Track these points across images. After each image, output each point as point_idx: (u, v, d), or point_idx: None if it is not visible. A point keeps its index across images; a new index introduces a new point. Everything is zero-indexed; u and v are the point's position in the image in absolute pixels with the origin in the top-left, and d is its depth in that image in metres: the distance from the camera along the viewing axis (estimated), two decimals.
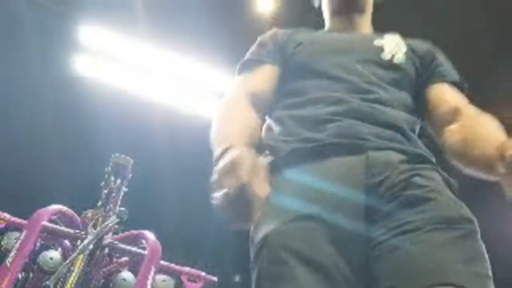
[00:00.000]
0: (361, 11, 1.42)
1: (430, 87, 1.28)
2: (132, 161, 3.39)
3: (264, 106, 1.25)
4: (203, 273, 3.38)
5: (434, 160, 1.12)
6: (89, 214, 3.07)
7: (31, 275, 3.00)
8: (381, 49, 1.29)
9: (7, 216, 3.16)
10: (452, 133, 1.17)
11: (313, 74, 1.23)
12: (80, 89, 5.33)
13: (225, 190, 0.85)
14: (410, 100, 1.24)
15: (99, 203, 3.16)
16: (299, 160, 1.05)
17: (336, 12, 1.42)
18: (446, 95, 1.26)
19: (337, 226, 0.94)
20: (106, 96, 5.30)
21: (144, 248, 3.20)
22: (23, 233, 2.94)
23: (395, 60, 1.27)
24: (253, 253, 1.00)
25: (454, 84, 1.31)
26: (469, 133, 1.13)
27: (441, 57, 1.40)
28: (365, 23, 1.44)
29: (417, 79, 1.29)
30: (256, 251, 0.98)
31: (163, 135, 5.55)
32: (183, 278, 3.28)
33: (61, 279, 2.61)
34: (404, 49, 1.33)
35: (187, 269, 3.35)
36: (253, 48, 1.39)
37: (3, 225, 3.12)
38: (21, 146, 5.86)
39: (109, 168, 3.33)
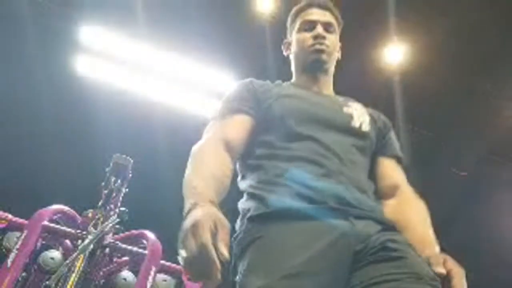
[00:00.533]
0: (325, 71, 1.53)
1: (380, 158, 1.44)
2: (132, 161, 3.40)
3: (236, 153, 1.32)
4: None
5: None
6: (90, 214, 3.08)
7: (32, 275, 3.01)
8: (350, 117, 1.41)
9: (8, 216, 3.16)
10: (388, 207, 1.32)
11: (292, 132, 1.32)
12: (81, 89, 5.33)
13: (186, 251, 0.91)
14: (369, 166, 1.39)
15: (100, 203, 3.16)
16: (289, 217, 1.14)
17: (304, 70, 1.54)
18: (391, 170, 1.43)
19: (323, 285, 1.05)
20: (107, 96, 5.31)
21: (144, 248, 3.20)
22: (24, 233, 2.95)
23: (363, 128, 1.40)
24: None
25: (399, 160, 1.46)
26: (402, 218, 1.29)
27: (393, 133, 1.55)
28: (328, 82, 1.56)
29: (374, 147, 1.43)
30: None
31: (163, 135, 5.55)
32: (184, 277, 3.29)
33: (62, 278, 2.62)
34: (368, 118, 1.46)
35: None
36: (229, 95, 1.44)
37: (4, 225, 3.12)
38: (22, 146, 5.86)
39: (110, 168, 3.34)
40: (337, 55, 1.59)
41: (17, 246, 2.87)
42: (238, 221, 1.26)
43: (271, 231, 1.13)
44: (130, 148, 3.80)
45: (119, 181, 3.33)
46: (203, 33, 4.83)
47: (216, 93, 5.42)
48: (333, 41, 1.53)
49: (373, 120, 1.48)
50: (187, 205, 1.06)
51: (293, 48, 1.58)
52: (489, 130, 5.37)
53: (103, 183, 3.30)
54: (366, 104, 1.61)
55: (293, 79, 1.60)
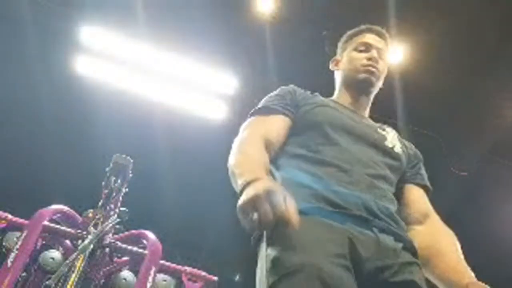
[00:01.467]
0: (369, 94, 1.62)
1: (410, 186, 1.51)
2: (132, 161, 3.40)
3: (272, 151, 1.37)
4: (203, 273, 3.37)
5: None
6: (90, 214, 3.07)
7: (32, 275, 3.01)
8: (384, 138, 1.50)
9: (8, 216, 3.16)
10: (419, 233, 1.38)
11: (327, 138, 1.38)
12: (81, 89, 5.33)
13: (260, 213, 0.99)
14: (395, 186, 1.45)
15: (100, 203, 3.16)
16: (313, 215, 1.18)
17: (350, 87, 1.61)
18: (421, 198, 1.49)
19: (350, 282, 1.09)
20: (107, 96, 5.31)
21: (144, 248, 3.20)
22: (24, 233, 2.95)
23: (395, 150, 1.48)
24: (279, 272, 1.08)
25: (427, 191, 1.53)
26: (434, 245, 1.36)
27: (422, 164, 1.64)
28: (367, 106, 1.65)
29: (403, 172, 1.50)
30: (286, 271, 1.06)
31: (163, 135, 5.55)
32: (183, 278, 3.29)
33: (62, 278, 2.62)
34: (400, 143, 1.54)
35: (187, 269, 3.35)
36: (271, 96, 1.53)
37: (4, 225, 3.12)
38: (22, 146, 5.87)
39: (110, 168, 3.33)
40: (381, 83, 1.66)
41: (17, 246, 2.87)
42: None
43: (302, 222, 1.13)
44: (130, 148, 3.79)
45: (119, 181, 3.33)
46: (203, 33, 4.83)
47: (217, 93, 5.42)
48: (383, 67, 1.62)
49: (405, 147, 1.57)
50: (243, 180, 1.11)
51: (344, 65, 1.65)
52: (489, 130, 5.37)
53: (103, 183, 3.30)
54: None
55: (335, 96, 1.67)
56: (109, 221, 2.81)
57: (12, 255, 2.83)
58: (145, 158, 4.19)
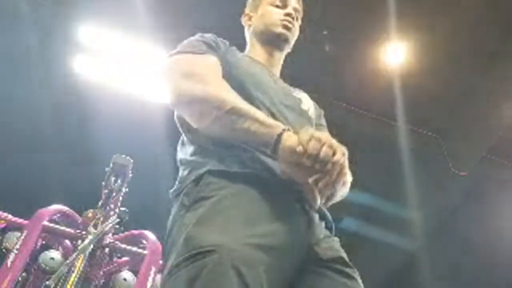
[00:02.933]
0: (282, 50, 1.58)
1: None
2: (132, 161, 3.39)
3: None
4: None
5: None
6: (90, 214, 3.07)
7: (32, 274, 3.01)
8: (300, 100, 1.48)
9: (8, 216, 3.16)
10: None
11: (251, 99, 1.28)
12: (80, 89, 5.33)
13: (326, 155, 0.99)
14: None
15: (100, 203, 3.16)
16: (250, 183, 1.11)
17: (265, 42, 1.56)
18: None
19: (279, 266, 1.03)
20: (106, 96, 5.31)
21: (144, 248, 3.20)
22: (24, 233, 2.95)
23: (309, 113, 1.47)
24: (188, 250, 0.99)
25: None
26: None
27: (324, 120, 1.62)
28: (280, 63, 1.61)
29: None
30: (199, 252, 0.97)
31: (163, 135, 5.55)
32: None
33: (62, 279, 2.62)
34: (312, 105, 1.54)
35: None
36: (196, 40, 1.43)
37: (4, 225, 3.12)
38: (21, 146, 5.86)
39: (110, 168, 3.33)
40: (292, 44, 1.61)
41: (17, 246, 2.87)
42: (187, 172, 1.21)
43: (230, 190, 1.09)
44: (130, 148, 3.79)
45: (119, 181, 3.33)
46: (203, 33, 4.83)
47: None
48: (297, 27, 1.60)
49: (314, 107, 1.56)
50: (276, 131, 1.07)
51: (258, 19, 1.60)
52: (489, 130, 5.37)
53: (103, 183, 3.30)
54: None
55: (248, 51, 1.61)
56: (109, 221, 2.82)
57: (12, 255, 2.83)
58: (145, 158, 4.18)
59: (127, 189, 3.41)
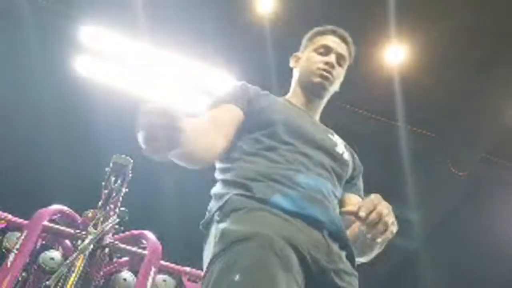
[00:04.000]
0: (322, 98, 1.62)
1: (348, 194, 1.51)
2: (132, 161, 3.39)
3: (226, 137, 1.36)
4: (203, 273, 3.36)
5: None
6: (90, 214, 3.07)
7: (32, 274, 3.00)
8: (335, 143, 1.50)
9: (8, 216, 3.15)
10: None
11: (281, 139, 1.37)
12: (80, 89, 5.33)
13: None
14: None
15: (100, 203, 3.16)
16: (271, 206, 1.17)
17: (304, 88, 1.61)
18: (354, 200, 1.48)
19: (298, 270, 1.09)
20: (106, 96, 5.31)
21: (144, 248, 3.20)
22: (24, 233, 2.94)
23: (344, 157, 1.48)
24: (228, 240, 1.06)
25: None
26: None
27: (361, 181, 1.62)
28: (320, 109, 1.65)
29: (347, 179, 1.51)
30: (236, 239, 1.05)
31: None
32: (184, 278, 3.28)
33: (62, 279, 2.61)
34: (347, 151, 1.54)
35: (187, 269, 3.35)
36: (222, 92, 1.52)
37: (3, 225, 3.12)
38: (21, 146, 5.86)
39: (109, 168, 3.33)
40: (336, 87, 1.65)
41: (17, 246, 2.86)
42: (214, 201, 1.30)
43: (256, 206, 1.16)
44: (130, 148, 3.78)
45: (119, 181, 3.32)
46: (203, 33, 4.83)
47: (216, 93, 5.42)
48: (339, 74, 1.62)
49: (351, 155, 1.57)
50: None
51: (302, 64, 1.65)
52: (489, 130, 5.37)
53: (103, 183, 3.30)
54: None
55: (289, 95, 1.67)
56: (109, 221, 2.82)
57: (12, 255, 2.82)
58: (145, 158, 4.18)
59: (127, 189, 3.41)
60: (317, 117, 1.63)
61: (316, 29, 1.70)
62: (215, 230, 1.16)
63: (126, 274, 3.14)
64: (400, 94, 5.13)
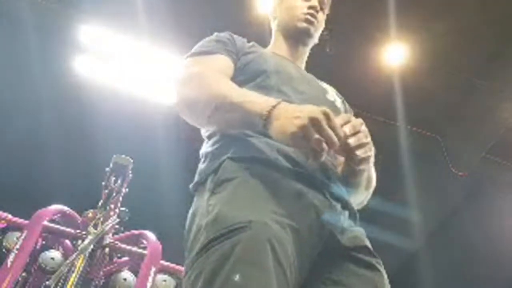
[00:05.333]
0: (307, 45, 1.56)
1: None
2: (132, 161, 3.39)
3: None
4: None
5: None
6: (90, 214, 3.07)
7: (32, 275, 3.01)
8: (325, 91, 1.45)
9: (8, 216, 3.15)
10: None
11: (275, 89, 1.29)
12: (80, 89, 5.34)
13: (325, 136, 0.96)
14: None
15: (100, 203, 3.16)
16: (271, 168, 1.10)
17: (288, 37, 1.54)
18: None
19: (301, 250, 1.01)
20: (107, 96, 5.31)
21: (144, 248, 3.20)
22: (24, 233, 2.94)
23: (336, 104, 1.43)
24: (218, 229, 0.97)
25: None
26: None
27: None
28: (305, 56, 1.59)
29: None
30: (230, 229, 0.95)
31: (163, 135, 5.55)
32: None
33: (62, 279, 2.62)
34: (338, 98, 1.50)
35: None
36: (209, 38, 1.44)
37: (4, 225, 3.12)
38: (21, 146, 5.86)
39: (110, 168, 3.33)
40: (317, 36, 1.59)
41: (17, 246, 2.86)
42: (207, 162, 1.20)
43: (252, 171, 1.08)
44: (130, 148, 3.79)
45: (119, 181, 3.32)
46: (203, 33, 4.83)
47: None
48: (322, 19, 1.56)
49: (342, 101, 1.52)
50: (264, 103, 1.04)
51: (282, 12, 1.57)
52: (489, 130, 5.37)
53: (103, 183, 3.30)
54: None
55: (272, 46, 1.59)
56: (109, 221, 2.82)
57: (12, 255, 2.82)
58: (145, 158, 4.18)
59: (127, 189, 3.41)
60: (303, 66, 1.56)
61: None
62: (207, 202, 1.06)
63: (126, 274, 3.14)
64: (400, 94, 5.13)
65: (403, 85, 5.08)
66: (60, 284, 2.61)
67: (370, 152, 1.10)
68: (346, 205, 1.17)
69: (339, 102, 1.46)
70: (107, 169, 3.33)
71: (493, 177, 5.87)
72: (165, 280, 3.23)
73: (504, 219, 6.17)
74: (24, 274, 2.92)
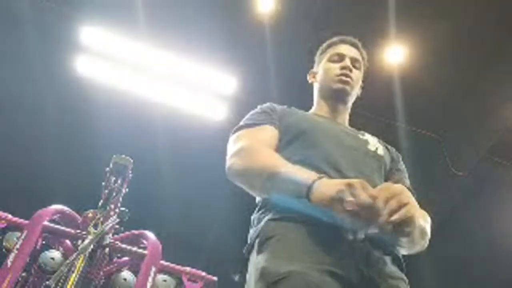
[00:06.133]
0: (346, 103, 1.66)
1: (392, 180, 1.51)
2: (132, 161, 3.40)
3: None
4: (203, 273, 3.37)
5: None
6: (90, 214, 3.07)
7: (32, 275, 3.01)
8: (366, 142, 1.54)
9: (8, 216, 3.16)
10: None
11: (315, 146, 1.39)
12: (80, 89, 5.34)
13: (356, 203, 1.03)
14: None
15: (100, 203, 3.16)
16: (304, 222, 1.19)
17: (327, 98, 1.65)
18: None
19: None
20: (107, 96, 5.31)
21: (144, 248, 3.20)
22: (24, 233, 2.95)
23: (378, 152, 1.52)
24: (265, 281, 1.09)
25: (408, 189, 1.48)
26: None
27: (403, 164, 1.65)
28: (346, 114, 1.69)
29: (387, 171, 1.54)
30: (273, 280, 1.07)
31: (163, 135, 5.55)
32: (183, 278, 3.29)
33: (62, 279, 2.62)
34: (381, 146, 1.58)
35: (187, 269, 3.35)
36: (252, 114, 1.54)
37: (4, 225, 3.12)
38: (22, 146, 5.87)
39: (109, 168, 3.33)
40: (358, 91, 1.69)
41: (17, 246, 2.87)
42: (253, 227, 1.33)
43: (290, 228, 1.19)
44: (130, 148, 3.80)
45: (119, 181, 3.33)
46: (203, 33, 4.83)
47: (216, 93, 5.42)
48: (357, 76, 1.65)
49: (386, 148, 1.61)
50: (309, 178, 1.14)
51: (319, 76, 1.69)
52: (489, 130, 5.37)
53: (103, 183, 3.30)
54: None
55: (314, 109, 1.70)
56: (109, 221, 2.81)
57: (12, 255, 2.82)
58: (145, 158, 4.19)
59: (127, 189, 3.41)
60: (346, 123, 1.67)
61: (325, 43, 1.75)
62: (254, 263, 1.19)
63: (126, 274, 3.14)
64: (400, 94, 5.13)
65: (403, 85, 5.08)
66: (60, 284, 2.61)
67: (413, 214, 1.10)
68: (388, 252, 1.23)
69: (381, 149, 1.54)
70: (107, 169, 3.34)
71: (493, 177, 5.87)
72: (165, 280, 3.23)
73: (504, 219, 6.17)
74: (24, 274, 2.92)
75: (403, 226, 1.07)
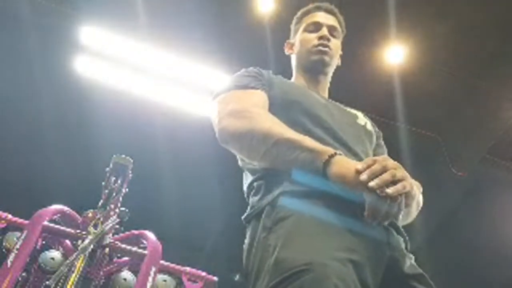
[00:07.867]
0: (326, 74, 1.60)
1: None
2: (132, 161, 3.39)
3: None
4: (203, 273, 3.37)
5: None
6: (90, 214, 3.07)
7: (32, 275, 3.01)
8: (355, 116, 1.52)
9: (8, 216, 3.15)
10: None
11: (317, 123, 1.32)
12: (80, 89, 5.34)
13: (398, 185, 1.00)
14: None
15: (100, 203, 3.16)
16: (326, 199, 1.10)
17: (306, 70, 1.58)
18: None
19: (364, 281, 1.02)
20: (106, 96, 5.31)
21: (144, 248, 3.20)
22: (24, 233, 2.94)
23: (367, 127, 1.50)
24: (281, 272, 0.99)
25: None
26: None
27: (382, 140, 1.62)
28: (326, 85, 1.63)
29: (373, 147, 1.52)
30: (293, 273, 0.97)
31: (163, 135, 5.55)
32: (183, 278, 3.28)
33: (62, 279, 2.62)
34: (368, 120, 1.56)
35: (187, 269, 3.35)
36: (240, 76, 1.43)
37: (4, 225, 3.11)
38: (21, 146, 5.87)
39: (110, 168, 3.33)
40: (337, 61, 1.63)
41: (17, 246, 2.86)
42: (260, 195, 1.22)
43: (307, 207, 1.10)
44: (130, 148, 3.80)
45: (119, 181, 3.32)
46: (203, 33, 4.83)
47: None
48: (336, 45, 1.59)
49: (372, 124, 1.58)
50: (323, 155, 1.07)
51: (297, 48, 1.62)
52: (489, 130, 5.37)
53: (103, 183, 3.30)
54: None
55: (293, 79, 1.63)
56: (109, 221, 2.82)
57: (12, 255, 2.82)
58: (145, 158, 4.18)
59: (127, 189, 3.41)
60: (325, 94, 1.61)
61: (300, 11, 1.68)
62: (265, 240, 1.09)
63: (126, 274, 3.14)
64: (400, 94, 5.13)
65: (403, 85, 5.08)
66: (60, 284, 2.61)
67: (409, 188, 1.06)
68: (399, 231, 1.21)
69: (369, 124, 1.51)
70: (107, 169, 3.33)
71: (493, 177, 5.87)
72: (165, 280, 3.23)
73: (504, 219, 6.17)
74: (24, 274, 2.92)
75: (406, 200, 1.04)
